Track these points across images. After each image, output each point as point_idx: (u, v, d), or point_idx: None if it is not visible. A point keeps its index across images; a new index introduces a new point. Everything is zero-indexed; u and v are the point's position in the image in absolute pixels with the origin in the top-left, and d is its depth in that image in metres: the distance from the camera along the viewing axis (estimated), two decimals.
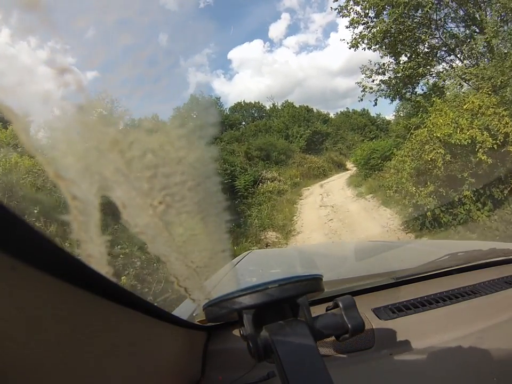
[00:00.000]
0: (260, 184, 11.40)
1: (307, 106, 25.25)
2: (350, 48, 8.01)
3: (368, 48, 7.90)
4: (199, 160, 0.30)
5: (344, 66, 52.52)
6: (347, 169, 17.80)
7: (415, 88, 8.44)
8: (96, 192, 0.27)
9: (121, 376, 0.37)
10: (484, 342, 0.66)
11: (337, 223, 6.95)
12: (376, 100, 8.69)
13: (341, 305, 0.45)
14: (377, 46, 7.78)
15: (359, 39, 7.79)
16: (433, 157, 4.74)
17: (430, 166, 4.96)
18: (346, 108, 30.80)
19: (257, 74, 54.19)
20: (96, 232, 0.28)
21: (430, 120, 5.15)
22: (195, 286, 0.44)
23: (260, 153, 15.29)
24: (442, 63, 7.89)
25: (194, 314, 0.74)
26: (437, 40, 7.80)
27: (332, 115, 27.62)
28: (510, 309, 0.76)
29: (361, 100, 8.64)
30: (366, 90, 8.53)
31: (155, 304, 0.49)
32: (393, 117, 17.33)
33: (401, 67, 7.77)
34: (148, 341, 0.44)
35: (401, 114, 13.23)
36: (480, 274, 0.94)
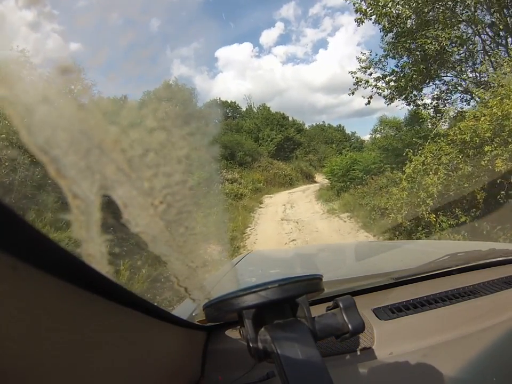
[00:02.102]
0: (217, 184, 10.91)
1: (283, 113, 24.12)
2: (356, 12, 6.40)
3: (377, 22, 6.31)
4: (200, 158, 0.30)
5: (326, 83, 53.53)
6: (315, 182, 17.30)
7: (435, 80, 6.95)
8: (97, 191, 0.27)
9: (120, 376, 0.37)
10: (483, 342, 0.66)
11: None
12: (371, 97, 7.38)
13: (341, 305, 0.45)
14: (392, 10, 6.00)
15: (372, 5, 6.17)
16: (501, 167, 2.85)
17: (467, 184, 3.07)
18: (323, 121, 30.40)
19: (240, 76, 54.45)
20: (97, 231, 0.28)
21: (496, 103, 3.19)
22: (195, 286, 0.44)
23: (224, 151, 14.44)
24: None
25: (194, 314, 0.74)
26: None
27: (306, 126, 26.86)
28: (509, 309, 0.76)
29: (353, 93, 7.38)
30: (360, 83, 7.30)
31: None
32: (368, 138, 16.53)
33: (426, 45, 5.88)
34: (147, 341, 0.44)
35: (378, 136, 11.99)
36: (480, 275, 0.94)
